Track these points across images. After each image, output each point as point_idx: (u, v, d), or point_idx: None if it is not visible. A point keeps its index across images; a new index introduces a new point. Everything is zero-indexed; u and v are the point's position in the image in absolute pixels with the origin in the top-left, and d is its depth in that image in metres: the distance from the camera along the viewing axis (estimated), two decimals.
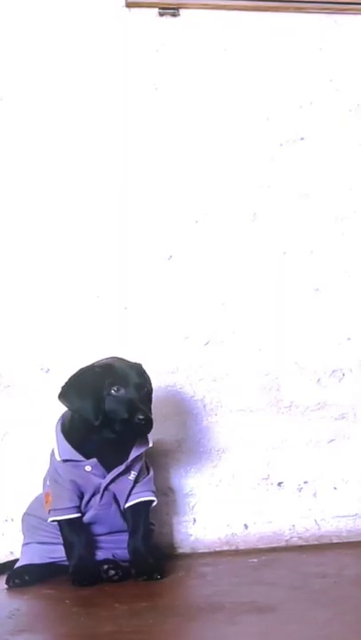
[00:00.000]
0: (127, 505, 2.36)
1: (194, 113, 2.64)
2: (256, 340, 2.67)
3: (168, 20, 2.62)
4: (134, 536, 2.36)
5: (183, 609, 2.11)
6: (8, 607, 2.17)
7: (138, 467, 2.37)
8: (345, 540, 2.61)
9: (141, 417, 2.26)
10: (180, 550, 2.61)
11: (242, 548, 2.62)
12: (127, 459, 2.33)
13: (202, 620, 2.04)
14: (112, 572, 2.31)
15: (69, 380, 2.32)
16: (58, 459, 2.33)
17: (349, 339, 2.68)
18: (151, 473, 2.42)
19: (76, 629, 1.99)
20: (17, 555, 2.46)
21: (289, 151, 2.68)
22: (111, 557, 2.37)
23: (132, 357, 2.36)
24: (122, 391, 2.29)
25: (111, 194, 2.61)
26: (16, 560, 2.44)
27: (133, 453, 2.34)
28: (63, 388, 2.32)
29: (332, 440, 2.66)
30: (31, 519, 2.44)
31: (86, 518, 2.37)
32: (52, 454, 2.37)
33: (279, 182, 2.67)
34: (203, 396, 2.65)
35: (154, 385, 2.37)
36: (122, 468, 2.33)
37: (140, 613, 2.06)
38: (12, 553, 2.52)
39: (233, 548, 2.62)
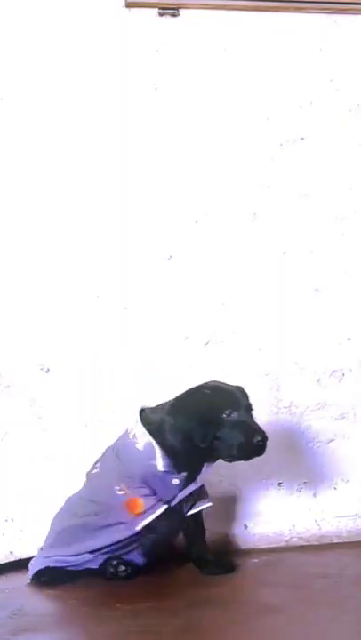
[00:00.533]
0: (191, 512, 2.40)
1: (194, 113, 2.65)
2: (256, 340, 2.68)
3: (168, 20, 2.63)
4: (197, 541, 2.42)
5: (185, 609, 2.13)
6: (10, 607, 2.18)
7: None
8: (345, 540, 2.62)
9: (260, 439, 2.30)
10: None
11: (242, 548, 2.63)
12: (199, 473, 2.36)
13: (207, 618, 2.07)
14: (122, 568, 2.33)
15: (178, 399, 2.35)
16: (160, 469, 2.31)
17: (349, 339, 2.70)
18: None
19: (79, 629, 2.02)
20: (17, 555, 2.48)
21: (289, 151, 2.69)
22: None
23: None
24: (234, 414, 2.31)
25: (111, 194, 2.62)
26: (17, 561, 2.47)
27: (205, 470, 2.38)
28: (172, 406, 2.34)
29: (331, 440, 2.68)
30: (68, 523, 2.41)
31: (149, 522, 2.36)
32: (121, 456, 2.36)
33: (279, 182, 2.69)
34: None
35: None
36: (198, 484, 2.37)
37: (142, 613, 2.09)
38: (11, 553, 2.53)
39: (233, 548, 2.63)
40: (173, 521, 2.38)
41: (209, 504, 2.42)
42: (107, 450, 2.41)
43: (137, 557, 2.36)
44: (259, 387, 2.67)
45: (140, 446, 2.32)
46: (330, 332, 2.70)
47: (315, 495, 2.68)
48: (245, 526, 2.67)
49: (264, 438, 2.30)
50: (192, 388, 2.35)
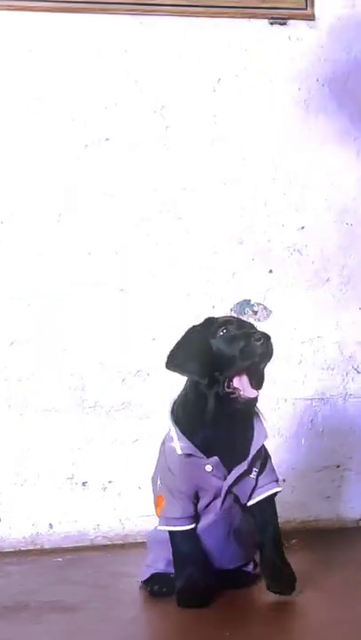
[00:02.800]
0: (251, 502, 2.24)
1: None
2: (61, 340, 2.75)
3: None
4: (264, 536, 2.24)
5: None
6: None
7: (259, 463, 2.24)
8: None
9: (258, 337, 2.13)
10: None
11: (47, 547, 2.72)
12: (248, 455, 2.20)
13: (7, 618, 2.12)
14: (156, 587, 2.25)
15: (173, 347, 2.24)
16: (179, 452, 2.17)
17: (154, 339, 2.77)
18: (270, 460, 2.28)
19: None
20: None
21: (94, 152, 2.76)
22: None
23: None
24: (229, 328, 2.19)
25: None
26: None
27: (253, 447, 2.21)
28: (167, 356, 2.23)
29: (136, 440, 2.77)
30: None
31: (203, 525, 2.23)
32: (165, 451, 2.25)
33: (84, 183, 2.75)
34: (8, 396, 2.74)
35: None
36: (244, 466, 2.19)
37: None
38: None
39: (38, 547, 2.72)
40: (225, 525, 2.24)
41: (277, 489, 2.26)
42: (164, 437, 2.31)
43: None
44: (64, 387, 2.76)
45: (173, 434, 2.22)
46: (135, 332, 2.78)
47: (119, 495, 2.77)
48: (50, 525, 2.75)
49: (265, 336, 2.14)
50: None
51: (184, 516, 2.20)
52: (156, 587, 2.24)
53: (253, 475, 2.23)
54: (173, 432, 2.20)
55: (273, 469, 2.28)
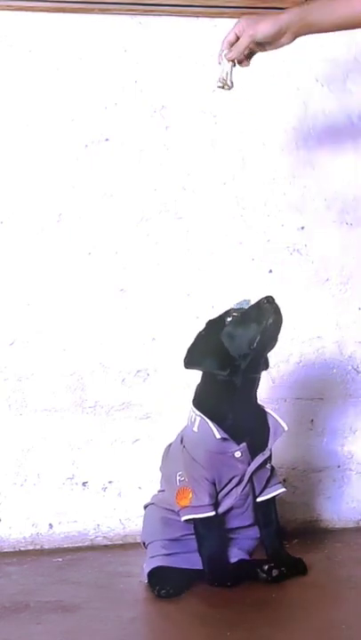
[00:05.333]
0: (261, 499, 2.37)
1: None
2: (61, 340, 2.76)
3: None
4: (269, 531, 2.39)
5: None
6: None
7: (271, 457, 2.39)
8: None
9: (265, 301, 2.30)
10: None
11: (47, 547, 2.73)
12: (267, 443, 2.34)
13: (7, 618, 2.13)
14: (276, 572, 2.32)
15: (188, 349, 2.37)
16: (218, 436, 2.27)
17: (154, 339, 2.78)
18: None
19: None
20: None
21: (94, 152, 2.76)
22: (242, 553, 2.37)
23: None
24: (234, 315, 2.33)
25: None
26: None
27: (272, 437, 2.36)
28: (184, 358, 2.36)
29: (136, 440, 2.77)
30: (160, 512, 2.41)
31: (222, 509, 2.34)
32: (187, 443, 2.34)
33: (84, 183, 2.75)
34: (8, 396, 2.74)
35: None
36: (266, 454, 2.33)
37: None
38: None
39: (38, 547, 2.73)
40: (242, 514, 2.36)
41: (282, 490, 2.42)
42: (177, 436, 2.42)
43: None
44: (64, 387, 2.76)
45: (195, 428, 2.32)
46: (135, 332, 2.78)
47: (120, 495, 2.77)
48: (50, 526, 2.76)
49: (269, 298, 2.31)
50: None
51: (211, 503, 2.30)
52: (163, 591, 2.26)
53: (268, 467, 2.37)
54: (205, 420, 2.30)
55: (276, 472, 2.44)
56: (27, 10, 2.70)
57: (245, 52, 2.26)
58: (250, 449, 2.31)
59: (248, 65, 2.29)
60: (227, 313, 2.36)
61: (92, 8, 2.74)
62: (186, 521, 2.32)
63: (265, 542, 2.40)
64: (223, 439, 2.28)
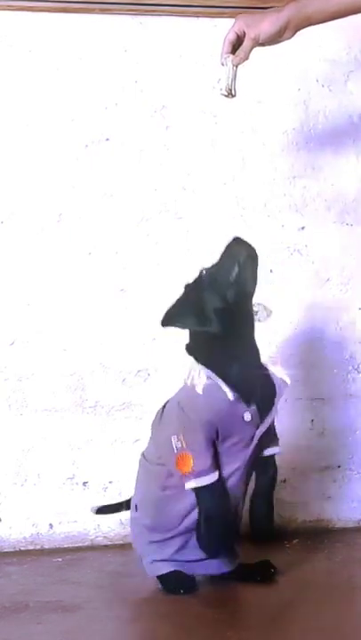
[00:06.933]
0: (263, 455, 2.28)
1: None
2: (61, 340, 2.76)
3: None
4: (262, 487, 2.29)
5: None
6: None
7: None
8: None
9: (233, 242, 2.25)
10: None
11: (47, 547, 2.73)
12: (274, 402, 2.24)
13: (7, 618, 2.13)
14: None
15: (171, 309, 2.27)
16: (230, 397, 2.15)
17: (154, 339, 2.77)
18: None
19: None
20: None
21: (94, 152, 2.76)
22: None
23: None
24: (205, 269, 2.25)
25: None
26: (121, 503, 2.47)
27: (278, 395, 2.26)
28: (164, 316, 2.26)
29: (137, 440, 2.75)
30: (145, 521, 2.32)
31: (226, 472, 2.22)
32: (185, 404, 2.23)
33: (84, 183, 2.76)
34: (8, 396, 2.75)
35: None
36: (273, 414, 2.24)
37: None
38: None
39: (38, 547, 2.73)
40: (246, 476, 2.26)
41: (278, 450, 2.32)
42: (167, 402, 2.32)
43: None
44: (64, 387, 2.77)
45: (200, 390, 2.19)
46: (135, 332, 2.78)
47: (120, 495, 2.74)
48: (51, 526, 2.76)
49: (237, 239, 2.26)
50: None
51: (213, 467, 2.18)
52: (181, 590, 2.26)
53: (272, 424, 2.28)
54: (216, 379, 2.18)
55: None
56: (27, 10, 2.70)
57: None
58: (259, 411, 2.21)
59: (247, 59, 2.28)
60: (201, 271, 2.27)
61: (92, 8, 2.74)
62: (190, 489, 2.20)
63: (255, 496, 2.29)
64: (235, 400, 2.17)
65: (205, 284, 2.23)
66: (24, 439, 2.75)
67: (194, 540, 2.26)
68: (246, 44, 2.23)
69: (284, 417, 2.81)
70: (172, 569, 2.30)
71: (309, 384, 2.89)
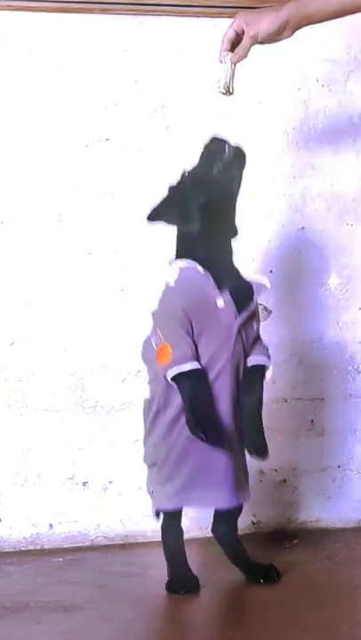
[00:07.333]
0: (251, 363, 2.23)
1: None
2: (61, 340, 2.76)
3: None
4: (249, 397, 2.21)
5: None
6: None
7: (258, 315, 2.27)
8: (150, 540, 2.65)
9: (214, 139, 2.28)
10: None
11: (47, 547, 2.73)
12: (252, 296, 2.21)
13: (7, 618, 2.12)
14: (274, 574, 2.28)
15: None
16: (201, 271, 2.16)
17: None
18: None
19: None
20: None
21: (94, 152, 2.76)
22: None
23: None
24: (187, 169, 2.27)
25: None
26: None
27: (256, 294, 2.22)
28: (150, 212, 2.32)
29: (137, 440, 2.67)
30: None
31: (212, 374, 2.17)
32: (163, 297, 2.24)
33: (84, 183, 2.76)
34: (8, 396, 2.74)
35: None
36: (252, 307, 2.21)
37: None
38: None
39: (38, 547, 2.72)
40: (233, 377, 2.18)
41: (266, 362, 2.25)
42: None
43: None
44: (64, 387, 2.77)
45: (172, 282, 2.21)
46: (135, 332, 2.68)
47: (120, 495, 2.77)
48: (51, 526, 2.76)
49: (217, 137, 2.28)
50: None
51: (193, 357, 2.14)
52: (182, 590, 2.24)
53: (255, 327, 2.25)
54: (186, 262, 2.21)
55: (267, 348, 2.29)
56: (27, 10, 2.70)
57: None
58: (234, 302, 2.18)
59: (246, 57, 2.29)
60: (183, 172, 2.31)
61: (92, 8, 2.75)
62: (173, 381, 2.16)
63: (243, 411, 2.21)
64: (207, 279, 2.16)
65: (188, 184, 2.27)
66: (24, 439, 2.75)
67: (199, 472, 2.21)
68: (245, 41, 2.23)
69: (285, 417, 2.83)
70: (179, 505, 2.26)
71: (309, 384, 2.89)
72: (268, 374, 2.27)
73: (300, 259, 2.89)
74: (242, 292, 2.21)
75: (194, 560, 2.35)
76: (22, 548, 2.72)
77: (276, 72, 2.84)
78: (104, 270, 2.78)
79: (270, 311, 2.73)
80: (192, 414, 2.13)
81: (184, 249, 2.29)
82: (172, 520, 2.32)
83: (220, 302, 2.16)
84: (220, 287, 2.17)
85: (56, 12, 2.72)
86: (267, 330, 2.73)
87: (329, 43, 2.86)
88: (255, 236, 2.85)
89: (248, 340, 2.22)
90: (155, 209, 2.32)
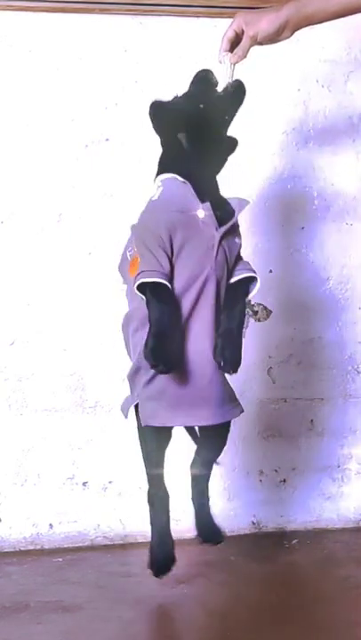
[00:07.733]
0: (234, 279, 2.16)
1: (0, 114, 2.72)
2: (61, 340, 2.76)
3: None
4: (230, 310, 2.13)
5: None
6: None
7: (239, 231, 2.21)
8: (149, 540, 2.59)
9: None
10: None
11: (47, 547, 2.73)
12: (233, 214, 2.15)
13: (7, 618, 2.14)
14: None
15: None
16: (180, 179, 2.15)
17: None
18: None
19: None
20: None
21: (94, 152, 2.76)
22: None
23: None
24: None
25: None
26: None
27: (238, 209, 2.17)
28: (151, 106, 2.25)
29: (137, 440, 2.78)
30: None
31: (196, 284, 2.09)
32: (144, 210, 2.21)
33: (84, 183, 2.76)
34: (8, 396, 2.75)
35: None
36: (234, 220, 2.15)
37: None
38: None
39: (38, 547, 2.73)
40: (215, 288, 2.11)
41: (254, 275, 2.18)
42: None
43: None
44: (64, 387, 2.77)
45: (155, 196, 2.17)
46: None
47: (120, 495, 2.78)
48: (51, 526, 2.76)
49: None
50: None
51: (162, 272, 2.06)
52: (160, 575, 2.21)
53: (238, 240, 2.19)
54: (167, 176, 2.19)
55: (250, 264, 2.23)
56: (27, 10, 2.71)
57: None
58: (215, 215, 2.12)
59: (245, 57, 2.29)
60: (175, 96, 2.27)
61: (92, 8, 2.75)
62: (138, 290, 2.09)
63: (221, 325, 2.12)
64: (186, 187, 2.13)
65: (182, 99, 2.24)
66: (24, 439, 2.75)
67: (181, 390, 2.14)
68: (245, 42, 2.24)
69: (284, 417, 2.83)
70: (166, 423, 2.19)
71: (309, 384, 2.89)
72: (256, 288, 2.19)
73: (300, 259, 2.89)
74: (223, 206, 2.16)
75: (193, 560, 2.35)
76: (22, 548, 2.73)
77: (276, 72, 2.84)
78: (104, 270, 2.77)
79: (270, 311, 2.74)
80: (152, 339, 2.05)
81: (166, 165, 2.24)
82: (156, 488, 2.30)
83: (201, 213, 2.11)
84: (201, 199, 2.12)
85: (56, 11, 2.73)
86: (267, 330, 2.75)
87: (329, 43, 2.87)
88: (255, 236, 2.85)
89: (231, 254, 2.16)
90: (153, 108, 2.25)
